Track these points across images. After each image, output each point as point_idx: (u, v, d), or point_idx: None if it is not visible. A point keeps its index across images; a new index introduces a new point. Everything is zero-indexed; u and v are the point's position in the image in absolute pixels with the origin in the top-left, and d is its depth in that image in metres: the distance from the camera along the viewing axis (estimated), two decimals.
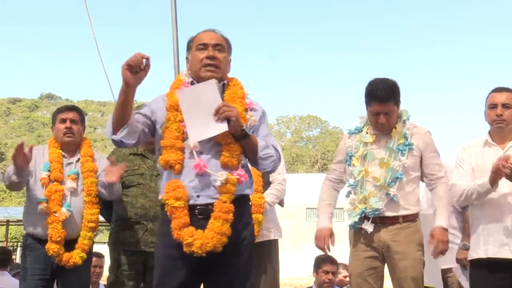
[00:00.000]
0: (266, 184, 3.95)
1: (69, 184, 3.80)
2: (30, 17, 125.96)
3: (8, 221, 25.48)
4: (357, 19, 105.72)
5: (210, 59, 2.72)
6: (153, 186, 4.08)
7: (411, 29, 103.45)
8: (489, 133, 3.60)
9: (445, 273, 4.29)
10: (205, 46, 2.74)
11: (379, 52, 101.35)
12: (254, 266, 2.77)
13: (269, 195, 3.93)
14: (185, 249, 2.55)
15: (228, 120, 2.55)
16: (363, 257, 3.45)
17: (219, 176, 2.58)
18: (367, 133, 3.56)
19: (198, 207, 2.61)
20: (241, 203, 2.67)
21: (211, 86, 2.62)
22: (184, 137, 2.67)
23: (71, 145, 3.93)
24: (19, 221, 21.83)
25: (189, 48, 2.84)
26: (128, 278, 3.98)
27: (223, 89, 2.76)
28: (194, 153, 2.63)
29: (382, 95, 3.37)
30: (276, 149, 2.78)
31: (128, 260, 3.99)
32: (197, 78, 2.75)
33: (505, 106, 3.48)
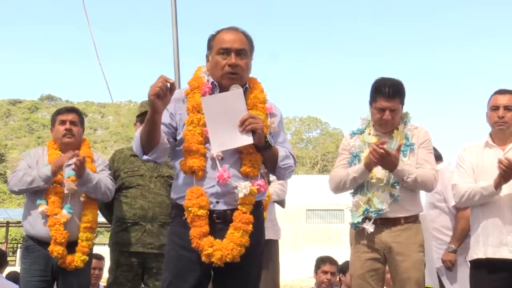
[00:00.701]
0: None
1: (69, 186, 3.80)
2: (30, 18, 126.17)
3: (8, 222, 25.51)
4: (358, 21, 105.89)
5: (232, 67, 2.63)
6: (153, 187, 4.08)
7: (411, 31, 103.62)
8: (490, 134, 3.61)
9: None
10: (227, 51, 2.64)
11: (380, 54, 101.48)
12: (261, 270, 2.76)
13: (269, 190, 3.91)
14: (203, 259, 2.52)
15: (253, 131, 2.51)
16: (364, 259, 3.44)
17: (243, 188, 2.55)
18: (369, 134, 3.57)
19: (216, 212, 2.59)
20: (256, 209, 2.64)
21: (237, 96, 2.56)
22: (205, 142, 2.61)
23: (70, 146, 3.92)
24: (19, 222, 21.84)
25: (210, 47, 2.73)
26: (127, 279, 3.98)
27: (244, 94, 2.67)
28: (217, 162, 2.59)
29: (390, 91, 3.41)
30: (293, 156, 2.76)
31: (126, 261, 4.00)
32: (218, 83, 2.68)
33: (507, 108, 3.49)
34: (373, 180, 3.44)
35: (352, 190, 3.55)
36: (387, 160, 3.26)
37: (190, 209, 2.55)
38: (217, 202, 2.59)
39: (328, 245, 25.41)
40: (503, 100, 3.50)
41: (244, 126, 2.51)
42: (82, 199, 3.83)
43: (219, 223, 2.57)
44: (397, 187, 3.38)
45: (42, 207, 3.73)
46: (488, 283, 3.39)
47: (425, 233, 3.49)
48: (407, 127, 3.52)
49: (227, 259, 2.51)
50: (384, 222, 3.41)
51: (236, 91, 2.58)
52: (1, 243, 27.81)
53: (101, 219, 4.17)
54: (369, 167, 3.37)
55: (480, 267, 3.44)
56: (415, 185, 3.40)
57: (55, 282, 3.85)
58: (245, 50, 2.67)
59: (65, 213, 3.73)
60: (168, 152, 2.70)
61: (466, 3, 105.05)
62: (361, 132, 3.61)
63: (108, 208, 4.23)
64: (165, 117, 2.64)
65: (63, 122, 3.90)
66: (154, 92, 2.43)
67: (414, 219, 3.46)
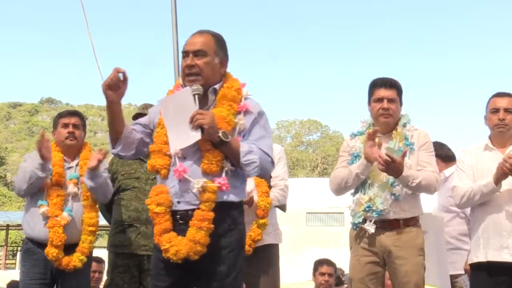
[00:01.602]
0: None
1: (71, 188, 3.81)
2: (30, 21, 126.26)
3: (8, 225, 25.50)
4: (358, 23, 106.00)
5: (188, 68, 2.71)
6: (148, 189, 4.08)
7: (412, 33, 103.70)
8: (489, 137, 3.61)
9: (453, 278, 4.29)
10: (186, 54, 2.73)
11: (380, 56, 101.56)
12: (238, 276, 2.68)
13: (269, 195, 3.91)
14: (163, 254, 2.60)
15: (202, 128, 2.56)
16: (364, 262, 3.44)
17: (196, 183, 2.58)
18: None
19: (179, 212, 2.64)
20: (224, 210, 2.63)
21: (185, 94, 2.65)
22: None
23: (72, 149, 3.94)
24: (19, 225, 21.83)
25: None
26: (123, 280, 4.00)
27: (215, 93, 2.74)
28: (176, 158, 2.65)
29: (387, 81, 3.50)
30: (266, 153, 2.70)
31: (123, 263, 4.03)
32: (185, 85, 2.76)
33: (507, 110, 3.49)
34: (374, 180, 3.44)
35: (353, 190, 3.55)
36: (392, 167, 3.26)
37: (149, 206, 2.65)
38: (178, 202, 2.64)
39: (328, 248, 25.38)
40: (502, 102, 3.51)
41: (192, 122, 2.57)
42: (83, 202, 3.84)
43: (182, 223, 2.62)
44: (397, 186, 3.38)
45: (43, 208, 3.74)
46: (489, 286, 3.39)
47: (439, 235, 3.47)
48: (406, 128, 3.52)
49: (181, 255, 2.54)
50: (383, 225, 3.40)
51: (184, 89, 2.67)
52: (1, 246, 27.80)
53: (101, 221, 4.19)
54: (369, 159, 3.36)
55: (481, 270, 3.44)
56: (419, 189, 3.40)
57: (55, 285, 3.85)
58: (203, 50, 2.71)
59: (65, 216, 3.74)
60: (134, 149, 2.79)
61: (467, 6, 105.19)
62: (362, 134, 3.61)
63: (109, 210, 4.26)
64: (144, 119, 2.86)
65: (65, 125, 3.91)
66: (105, 83, 2.60)
67: (414, 222, 3.45)
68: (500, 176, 3.29)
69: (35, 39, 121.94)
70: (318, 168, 59.16)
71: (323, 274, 5.51)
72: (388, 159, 3.22)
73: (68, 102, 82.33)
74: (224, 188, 2.60)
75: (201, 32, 2.79)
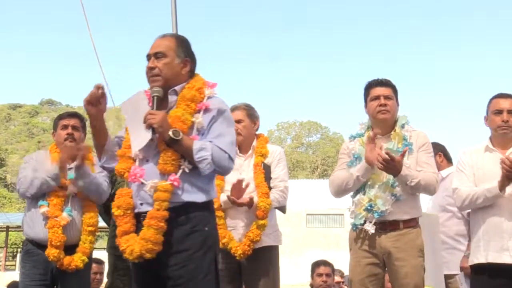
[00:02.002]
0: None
1: (70, 189, 3.81)
2: (30, 22, 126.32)
3: (8, 227, 25.49)
4: (358, 25, 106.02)
5: (149, 70, 2.78)
6: None
7: (412, 35, 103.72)
8: (490, 138, 3.60)
9: (447, 278, 4.29)
10: (148, 57, 2.80)
11: (380, 58, 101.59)
12: (207, 278, 2.66)
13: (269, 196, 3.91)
14: (123, 255, 2.65)
15: (153, 127, 2.63)
16: (364, 264, 3.44)
17: (147, 185, 2.64)
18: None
19: (142, 214, 2.66)
20: (184, 212, 2.65)
21: (138, 96, 2.76)
22: None
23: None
24: (19, 227, 21.82)
25: None
26: (124, 283, 4.01)
27: (176, 94, 2.77)
28: (137, 162, 2.72)
29: (382, 80, 3.57)
30: (222, 150, 2.68)
31: (123, 265, 4.02)
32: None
33: (510, 112, 3.49)
34: (373, 181, 3.45)
35: (352, 193, 3.55)
36: (391, 165, 3.27)
37: (112, 209, 2.73)
38: (141, 204, 2.68)
39: (328, 249, 25.38)
40: (505, 104, 3.50)
41: (146, 123, 2.65)
42: (82, 202, 3.85)
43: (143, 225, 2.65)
44: (398, 187, 3.39)
45: (44, 208, 3.74)
46: None
47: (435, 234, 3.47)
48: (405, 129, 3.53)
49: (135, 254, 2.58)
50: (383, 227, 3.41)
51: (138, 92, 2.78)
52: (1, 247, 27.79)
53: (100, 223, 4.18)
54: (370, 163, 3.37)
55: (481, 272, 3.44)
56: (418, 189, 3.41)
57: (55, 286, 3.85)
58: (162, 52, 2.77)
59: (65, 216, 3.74)
60: (117, 161, 2.85)
61: (465, 7, 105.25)
62: (360, 136, 3.63)
63: (107, 212, 4.25)
64: (122, 131, 2.92)
65: (65, 127, 3.93)
66: (85, 99, 2.71)
67: (413, 224, 3.46)
68: (506, 181, 3.28)
69: (35, 40, 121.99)
70: (318, 169, 59.16)
71: (320, 275, 5.54)
72: (387, 157, 3.23)
73: (68, 104, 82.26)
74: (175, 183, 2.61)
75: (163, 36, 2.87)
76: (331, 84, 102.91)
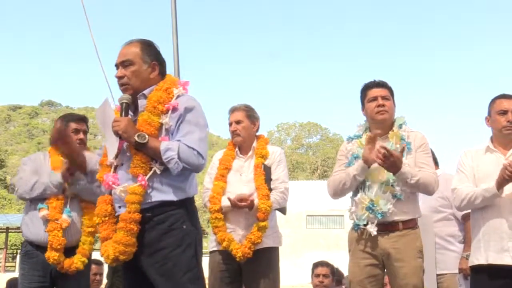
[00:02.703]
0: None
1: (68, 191, 3.80)
2: (30, 23, 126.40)
3: (7, 228, 25.48)
4: (357, 26, 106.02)
5: (118, 79, 2.82)
6: None
7: (411, 36, 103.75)
8: (491, 139, 3.60)
9: (438, 278, 4.30)
10: (116, 66, 2.84)
11: (380, 58, 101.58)
12: (188, 274, 2.67)
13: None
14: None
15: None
16: (363, 265, 3.44)
17: (117, 190, 2.70)
18: None
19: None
20: (159, 211, 2.69)
21: (105, 105, 2.83)
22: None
23: None
24: (18, 228, 21.78)
25: None
26: (124, 284, 3.99)
27: (145, 98, 2.80)
28: (112, 168, 2.77)
29: (378, 81, 3.60)
30: (191, 148, 2.68)
31: (123, 266, 4.00)
32: None
33: None
34: (373, 181, 3.45)
35: (351, 193, 3.55)
36: (391, 162, 3.27)
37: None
38: (119, 207, 2.73)
39: (328, 250, 25.38)
40: (509, 104, 3.50)
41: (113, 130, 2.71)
42: (81, 204, 3.84)
43: None
44: (397, 187, 3.39)
45: (43, 211, 3.73)
46: None
47: (428, 234, 3.47)
48: (402, 129, 3.54)
49: (111, 257, 2.63)
50: (382, 228, 3.40)
51: (103, 102, 2.83)
52: (0, 248, 27.77)
53: None
54: (368, 162, 3.38)
55: (481, 273, 3.43)
56: (418, 188, 3.41)
57: (54, 287, 3.85)
58: (129, 60, 2.79)
59: (65, 218, 3.73)
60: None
61: (465, 8, 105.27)
62: (358, 137, 3.63)
63: None
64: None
65: (77, 131, 3.93)
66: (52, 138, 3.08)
67: (413, 225, 3.46)
68: (502, 182, 3.28)
69: (35, 41, 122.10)
70: (318, 170, 59.15)
71: (317, 275, 5.58)
72: (386, 152, 3.23)
73: (68, 105, 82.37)
74: (143, 183, 2.64)
75: (128, 43, 2.88)
76: (331, 85, 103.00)
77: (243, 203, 3.75)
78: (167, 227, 2.68)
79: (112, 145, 2.77)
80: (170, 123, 2.74)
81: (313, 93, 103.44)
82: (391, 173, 3.37)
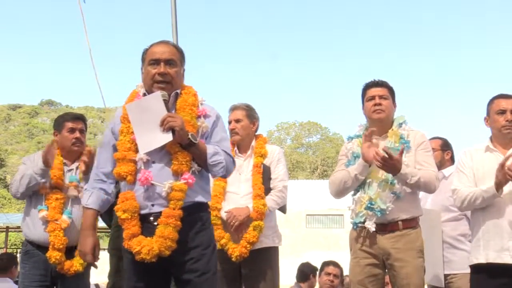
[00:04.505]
0: (267, 190, 3.94)
1: (71, 192, 3.81)
2: (30, 23, 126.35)
3: (7, 227, 25.45)
4: (357, 26, 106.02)
5: (161, 75, 2.81)
6: None
7: (411, 36, 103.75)
8: (490, 138, 3.61)
9: (449, 278, 4.29)
10: (157, 62, 2.82)
11: (380, 58, 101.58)
12: (216, 272, 2.78)
13: (269, 200, 3.92)
14: (136, 257, 2.67)
15: (173, 130, 2.66)
16: (364, 264, 3.45)
17: (163, 186, 2.68)
18: None
19: (153, 215, 2.72)
20: (194, 211, 2.75)
21: (156, 98, 2.74)
22: (137, 148, 2.76)
23: (76, 153, 3.95)
24: (18, 227, 21.79)
25: (143, 60, 2.91)
26: None
27: (175, 99, 2.85)
28: (142, 165, 2.74)
29: (378, 81, 3.62)
30: (228, 154, 2.84)
31: None
32: (150, 92, 2.84)
33: None
34: (373, 180, 3.45)
35: (352, 191, 3.56)
36: (390, 164, 3.28)
37: (116, 213, 2.75)
38: (153, 205, 2.72)
39: (328, 250, 25.39)
40: (508, 104, 3.51)
41: (164, 125, 2.67)
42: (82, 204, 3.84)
43: (156, 225, 2.69)
44: (397, 185, 3.40)
45: (43, 212, 3.73)
46: None
47: (435, 230, 3.47)
48: (402, 128, 3.55)
49: (154, 252, 2.62)
50: (382, 228, 3.41)
51: (155, 94, 2.75)
52: (0, 248, 27.75)
53: (100, 224, 4.18)
54: (367, 160, 3.38)
55: (481, 272, 3.43)
56: (418, 187, 3.42)
57: (54, 287, 3.85)
58: (173, 60, 2.85)
59: (65, 219, 3.74)
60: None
61: (466, 7, 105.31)
62: (359, 137, 3.64)
63: (107, 213, 4.23)
64: (108, 138, 2.90)
65: (72, 130, 3.92)
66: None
67: (413, 224, 3.46)
68: (501, 182, 3.28)
69: (35, 41, 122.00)
70: (318, 170, 59.15)
71: (328, 274, 5.62)
72: (385, 155, 3.23)
73: (68, 104, 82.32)
74: (190, 180, 2.69)
75: (166, 42, 2.93)
76: (331, 84, 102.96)
77: (235, 223, 3.78)
78: (199, 226, 2.76)
79: (151, 139, 2.70)
80: (208, 127, 2.83)
81: (313, 93, 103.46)
82: (394, 176, 3.38)
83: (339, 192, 3.57)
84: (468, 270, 4.07)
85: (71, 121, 3.95)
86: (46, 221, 3.73)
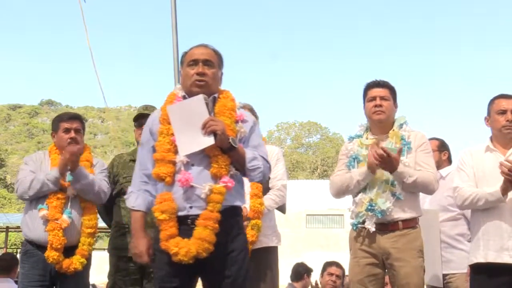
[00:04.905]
0: (266, 190, 3.95)
1: (70, 191, 3.79)
2: (30, 23, 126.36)
3: (7, 227, 25.46)
4: (357, 26, 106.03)
5: (199, 75, 2.83)
6: None
7: (411, 35, 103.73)
8: (491, 138, 3.61)
9: (447, 278, 4.29)
10: (195, 62, 2.86)
11: (380, 58, 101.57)
12: (247, 278, 2.81)
13: (267, 199, 3.93)
14: (173, 258, 2.69)
15: (214, 133, 2.68)
16: (363, 264, 3.45)
17: (203, 188, 2.70)
18: (367, 138, 3.61)
19: (190, 217, 2.73)
20: (230, 215, 2.76)
21: (198, 101, 2.76)
22: (176, 150, 2.78)
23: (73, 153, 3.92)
24: (18, 227, 21.79)
25: (182, 63, 2.96)
26: (126, 284, 4.00)
27: (213, 103, 2.86)
28: (182, 167, 2.76)
29: (379, 81, 3.61)
30: (265, 160, 2.87)
31: (125, 265, 4.02)
32: (189, 93, 2.87)
33: None
34: (373, 181, 3.45)
35: None
36: (387, 162, 3.28)
37: (155, 213, 2.75)
38: (191, 207, 2.74)
39: (328, 250, 25.38)
40: (509, 104, 3.52)
41: (206, 128, 2.69)
42: (81, 204, 3.83)
43: (194, 227, 2.70)
44: (397, 186, 3.40)
45: (43, 211, 3.73)
46: None
47: (432, 230, 3.48)
48: (402, 129, 3.55)
49: (191, 254, 2.64)
50: (382, 228, 3.41)
51: (197, 97, 2.77)
52: (0, 248, 27.75)
53: (101, 224, 4.18)
54: (373, 170, 3.39)
55: (481, 271, 3.44)
56: (415, 187, 3.42)
57: (54, 287, 3.84)
58: (211, 61, 2.88)
59: (65, 218, 3.72)
60: None
61: (466, 7, 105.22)
62: (359, 137, 3.64)
63: (108, 213, 4.25)
64: (147, 141, 2.92)
65: (67, 130, 3.89)
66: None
67: (413, 224, 3.46)
68: (508, 186, 3.28)
69: (35, 41, 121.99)
70: (318, 170, 59.12)
71: (331, 274, 5.64)
72: (383, 153, 3.24)
73: (68, 104, 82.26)
74: (229, 184, 2.71)
75: (205, 45, 2.96)
76: (331, 84, 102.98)
77: None
78: (236, 231, 2.80)
79: (192, 142, 2.73)
80: (247, 132, 2.87)
81: (313, 92, 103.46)
82: (392, 174, 3.38)
83: (340, 194, 3.59)
84: (466, 270, 4.09)
85: (66, 121, 3.92)
86: (46, 220, 3.72)
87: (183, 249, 2.65)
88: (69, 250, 3.75)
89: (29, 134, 72.85)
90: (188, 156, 2.75)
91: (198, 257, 2.65)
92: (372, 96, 3.56)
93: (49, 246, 3.68)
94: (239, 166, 2.80)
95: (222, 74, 2.98)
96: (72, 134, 3.88)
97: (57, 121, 3.98)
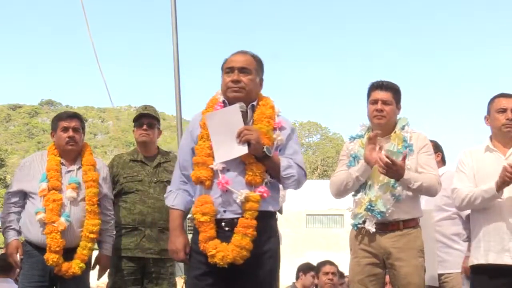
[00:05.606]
0: None
1: (69, 193, 3.77)
2: (30, 23, 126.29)
3: None
4: (357, 26, 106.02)
5: (234, 82, 2.89)
6: (152, 192, 4.10)
7: (411, 35, 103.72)
8: (490, 138, 3.60)
9: (443, 278, 4.29)
10: (231, 70, 2.92)
11: (380, 58, 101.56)
12: (276, 278, 2.91)
13: None
14: (209, 260, 2.77)
15: (248, 142, 2.74)
16: (364, 264, 3.44)
17: (239, 194, 2.76)
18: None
19: (224, 220, 2.81)
20: (265, 219, 2.83)
21: (235, 110, 2.83)
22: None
23: (72, 153, 3.91)
24: None
25: (222, 69, 3.00)
26: (126, 283, 4.00)
27: (252, 110, 2.93)
28: (218, 171, 2.82)
29: (383, 83, 3.56)
30: (300, 167, 2.91)
31: (126, 266, 4.02)
32: (227, 99, 2.95)
33: None
34: (373, 181, 3.45)
35: (353, 192, 3.55)
36: (393, 170, 3.27)
37: (194, 215, 2.82)
38: (225, 211, 2.82)
39: (328, 250, 25.36)
40: (509, 103, 3.51)
41: (240, 137, 2.75)
42: (87, 207, 3.81)
43: (227, 230, 2.80)
44: (398, 188, 3.38)
45: (40, 215, 3.69)
46: None
47: (427, 230, 3.48)
48: (404, 131, 3.53)
49: (228, 260, 2.72)
50: (382, 227, 3.41)
51: (234, 106, 2.84)
52: (0, 248, 27.74)
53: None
54: (369, 163, 3.38)
55: (481, 272, 3.43)
56: (420, 191, 3.42)
57: (54, 287, 3.84)
58: (248, 68, 2.92)
59: (63, 221, 3.69)
60: None
61: (466, 7, 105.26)
62: (360, 137, 3.63)
63: None
64: (188, 143, 3.00)
65: (65, 129, 3.86)
66: None
67: (413, 224, 3.46)
68: (503, 183, 3.28)
69: (35, 41, 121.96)
70: (318, 170, 59.11)
71: (326, 273, 5.63)
72: (389, 161, 3.22)
73: (68, 104, 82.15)
74: (265, 194, 2.79)
75: (244, 52, 3.00)
76: (331, 84, 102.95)
77: None
78: (268, 235, 2.87)
79: (228, 150, 2.80)
80: (284, 140, 2.91)
81: (313, 92, 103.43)
82: (397, 181, 3.36)
83: (340, 193, 3.57)
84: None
85: (64, 120, 3.90)
86: (43, 224, 3.69)
87: (220, 253, 2.73)
88: (68, 252, 3.73)
89: (29, 134, 72.85)
90: (225, 161, 2.82)
91: (234, 263, 2.73)
92: (374, 99, 3.53)
93: (48, 249, 3.66)
94: (274, 173, 2.86)
95: (262, 80, 3.02)
96: (71, 133, 3.85)
97: (56, 120, 3.97)
